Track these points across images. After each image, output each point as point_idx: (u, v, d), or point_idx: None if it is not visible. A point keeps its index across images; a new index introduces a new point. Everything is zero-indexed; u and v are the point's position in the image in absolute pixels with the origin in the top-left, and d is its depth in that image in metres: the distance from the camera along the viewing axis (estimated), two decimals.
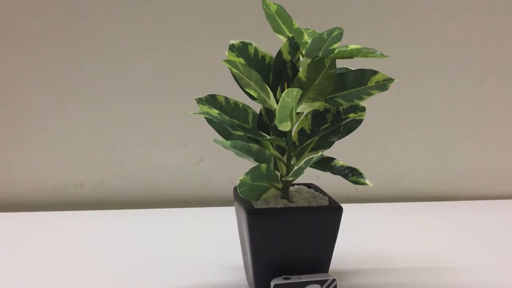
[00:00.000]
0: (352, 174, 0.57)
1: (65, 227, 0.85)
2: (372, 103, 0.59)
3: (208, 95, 0.59)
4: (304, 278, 0.55)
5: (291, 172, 0.55)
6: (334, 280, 0.55)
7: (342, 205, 0.58)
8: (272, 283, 0.54)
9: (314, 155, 0.53)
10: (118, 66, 0.95)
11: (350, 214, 0.61)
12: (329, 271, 0.58)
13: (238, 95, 0.59)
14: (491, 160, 1.05)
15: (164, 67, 0.96)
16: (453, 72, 1.01)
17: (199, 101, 0.58)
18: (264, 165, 0.54)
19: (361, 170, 0.57)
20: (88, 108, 0.96)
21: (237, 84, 0.56)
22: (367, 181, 0.56)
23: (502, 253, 0.76)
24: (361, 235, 0.82)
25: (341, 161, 0.59)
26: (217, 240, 0.79)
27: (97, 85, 0.95)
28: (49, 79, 0.95)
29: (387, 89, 0.56)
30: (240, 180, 0.51)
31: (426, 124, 1.03)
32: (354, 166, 0.58)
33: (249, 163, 0.58)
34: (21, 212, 0.92)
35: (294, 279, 0.55)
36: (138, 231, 0.84)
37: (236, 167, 0.75)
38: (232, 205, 0.63)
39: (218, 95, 0.59)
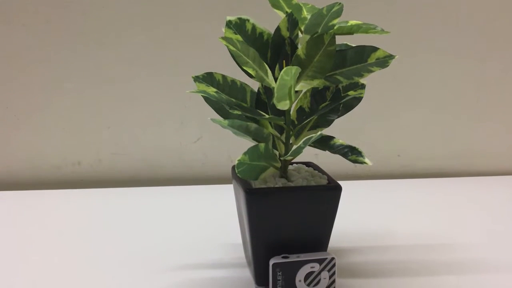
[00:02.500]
0: (351, 153, 0.56)
1: (63, 205, 0.85)
2: (371, 80, 0.58)
3: (205, 73, 0.57)
4: (302, 257, 0.55)
5: (290, 152, 0.55)
6: (332, 258, 0.55)
7: (341, 182, 0.58)
8: (271, 262, 0.54)
9: (313, 135, 0.52)
10: (115, 44, 0.93)
11: (349, 191, 0.61)
12: (328, 249, 0.58)
13: (236, 73, 0.58)
14: (491, 136, 1.04)
15: (161, 45, 0.94)
16: (454, 48, 1.00)
17: (196, 79, 0.57)
18: (262, 145, 0.53)
19: (360, 149, 0.56)
20: (85, 86, 0.95)
21: (235, 62, 0.55)
22: (366, 160, 0.55)
23: (501, 229, 0.76)
24: (360, 212, 0.82)
25: (340, 139, 0.58)
26: (216, 218, 0.79)
27: (93, 63, 0.94)
28: (45, 57, 0.93)
29: (387, 66, 0.54)
30: (238, 160, 0.51)
31: (425, 101, 1.02)
32: (353, 144, 0.57)
33: (248, 141, 0.57)
34: (19, 191, 0.91)
35: (293, 257, 0.55)
36: (136, 209, 0.84)
37: (234, 144, 0.74)
38: (231, 183, 0.62)
39: (216, 73, 0.58)
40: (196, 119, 0.97)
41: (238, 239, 0.66)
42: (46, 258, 0.66)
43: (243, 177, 0.52)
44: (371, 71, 0.55)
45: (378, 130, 1.02)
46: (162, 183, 0.97)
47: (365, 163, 0.55)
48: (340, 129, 0.68)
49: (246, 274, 0.61)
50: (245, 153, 0.51)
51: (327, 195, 0.56)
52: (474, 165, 1.05)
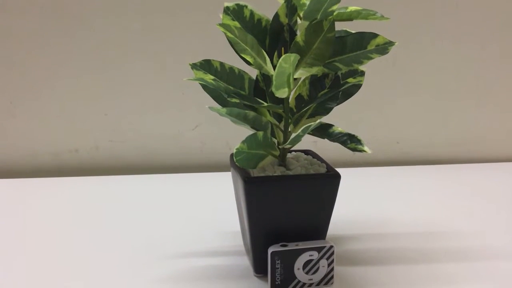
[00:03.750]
0: (350, 141, 0.56)
1: (61, 193, 0.85)
2: (370, 66, 0.57)
3: (203, 60, 0.57)
4: (301, 245, 0.55)
5: (289, 140, 0.54)
6: (331, 246, 0.55)
7: (340, 169, 0.57)
8: (270, 250, 0.54)
9: (312, 123, 0.52)
10: (112, 30, 0.92)
11: (348, 179, 0.60)
12: (326, 237, 0.58)
13: (234, 60, 0.57)
14: (491, 123, 1.04)
15: (158, 31, 0.93)
16: (454, 34, 0.99)
17: (194, 66, 0.56)
18: (260, 133, 0.53)
19: (359, 137, 0.56)
20: (81, 72, 0.94)
21: (233, 49, 0.54)
22: (365, 148, 0.55)
23: (501, 216, 0.76)
24: (359, 200, 0.82)
25: (339, 127, 0.57)
26: (214, 206, 0.79)
27: (90, 49, 0.93)
28: (41, 43, 0.92)
29: (387, 52, 0.54)
30: (237, 149, 0.50)
31: (425, 87, 1.01)
32: (352, 132, 0.57)
33: (246, 129, 0.57)
34: (16, 179, 0.91)
35: (292, 246, 0.55)
36: (134, 197, 0.84)
37: (233, 132, 0.74)
38: (229, 170, 0.62)
39: (213, 60, 0.57)
40: (194, 106, 0.96)
41: (237, 227, 0.66)
42: (44, 246, 0.65)
43: (242, 166, 0.52)
44: (371, 58, 0.54)
45: (377, 117, 1.01)
46: (160, 171, 0.97)
47: (364, 151, 0.55)
48: (339, 116, 0.67)
49: (245, 262, 0.61)
50: (243, 142, 0.51)
51: (326, 183, 0.56)
52: (474, 151, 1.04)
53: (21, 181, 0.90)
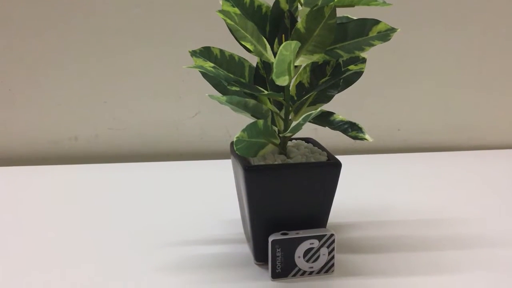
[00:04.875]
0: (351, 129, 0.55)
1: (60, 181, 0.85)
2: (371, 53, 0.57)
3: (203, 48, 0.56)
4: (302, 234, 0.55)
5: (289, 128, 0.54)
6: (332, 235, 0.55)
7: (341, 156, 0.57)
8: (270, 239, 0.54)
9: (313, 111, 0.51)
10: (111, 17, 0.91)
11: (348, 166, 0.60)
12: (327, 225, 0.58)
13: (234, 47, 0.57)
14: (492, 110, 1.04)
15: (157, 18, 0.92)
16: (455, 20, 0.98)
17: (193, 53, 0.56)
18: (261, 121, 0.52)
19: (360, 125, 0.55)
20: (80, 60, 0.93)
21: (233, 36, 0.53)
22: (366, 136, 0.54)
23: (502, 203, 0.76)
24: (359, 187, 0.82)
25: (340, 115, 0.57)
26: (214, 194, 0.78)
27: (89, 36, 0.92)
28: (39, 30, 0.91)
29: (389, 39, 0.53)
30: (237, 137, 0.50)
31: (426, 74, 1.00)
32: (353, 119, 0.56)
33: (247, 117, 0.56)
34: (15, 167, 0.91)
35: (292, 234, 0.55)
36: (134, 184, 0.83)
37: (233, 119, 0.74)
38: (229, 158, 0.62)
39: (213, 47, 0.56)
40: (194, 93, 0.95)
41: (237, 215, 0.66)
42: (44, 234, 0.65)
43: (242, 154, 0.52)
44: (372, 45, 0.53)
45: (378, 104, 1.01)
46: (160, 158, 0.97)
47: (365, 139, 0.54)
48: (339, 103, 0.66)
49: (245, 250, 0.61)
50: (243, 130, 0.50)
51: (326, 172, 0.56)
52: (475, 138, 1.04)
53: (20, 169, 0.90)
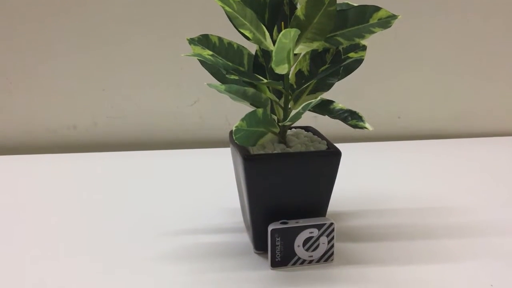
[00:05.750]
0: (351, 117, 0.55)
1: (59, 169, 0.84)
2: (371, 40, 0.56)
3: (201, 35, 0.55)
4: (301, 223, 0.55)
5: (289, 117, 0.54)
6: (331, 224, 0.55)
7: (341, 144, 0.57)
8: (270, 228, 0.54)
9: (313, 100, 0.51)
10: (109, 4, 0.90)
11: (348, 154, 0.60)
12: (327, 214, 0.58)
13: (233, 35, 0.56)
14: (492, 96, 1.03)
15: (155, 4, 0.91)
16: (456, 7, 0.97)
17: (191, 41, 0.55)
18: (260, 110, 0.52)
19: (360, 114, 0.55)
20: (78, 48, 0.92)
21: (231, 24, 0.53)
22: (367, 125, 0.54)
23: (502, 191, 0.76)
24: (359, 175, 0.82)
25: (339, 104, 0.56)
26: (214, 182, 0.78)
27: (87, 24, 0.91)
28: (37, 18, 0.90)
29: (390, 26, 0.53)
30: (236, 126, 0.49)
31: (426, 61, 1.00)
32: (352, 107, 0.56)
33: (246, 105, 0.56)
34: (14, 155, 0.91)
35: (292, 223, 0.54)
36: (133, 173, 0.83)
37: (232, 107, 0.73)
38: (229, 146, 0.61)
39: (212, 35, 0.56)
40: (193, 81, 0.95)
41: (237, 203, 0.66)
42: (43, 222, 0.65)
43: (241, 144, 0.51)
44: (373, 32, 0.53)
45: (377, 91, 1.00)
46: (159, 147, 0.96)
47: (365, 128, 0.54)
48: (339, 90, 0.66)
49: (245, 239, 0.61)
50: (242, 119, 0.50)
51: (326, 160, 0.55)
52: (476, 126, 1.04)
53: (19, 157, 0.90)
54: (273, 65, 0.49)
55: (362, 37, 0.53)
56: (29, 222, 0.66)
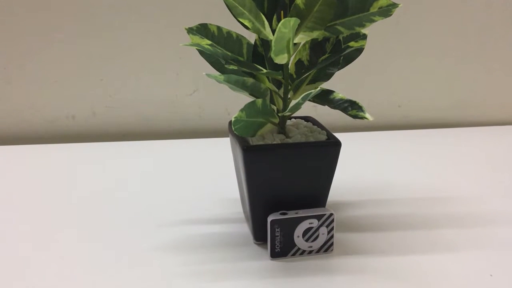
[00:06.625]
0: (351, 107, 0.54)
1: (58, 160, 0.84)
2: (371, 29, 0.55)
3: (199, 24, 0.55)
4: (301, 213, 0.54)
5: (288, 108, 0.53)
6: (331, 214, 0.55)
7: (340, 134, 0.56)
8: (269, 219, 0.54)
9: (312, 90, 0.50)
10: None
11: (348, 143, 0.59)
12: (326, 204, 0.58)
13: (232, 25, 0.55)
14: (494, 85, 1.02)
15: None
16: None
17: (190, 31, 0.54)
18: (259, 101, 0.51)
19: (360, 103, 0.54)
20: (76, 37, 0.91)
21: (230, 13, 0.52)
22: (367, 115, 0.53)
23: (504, 181, 0.76)
24: (359, 165, 0.81)
25: (340, 93, 0.56)
26: (213, 172, 0.78)
27: (84, 13, 0.90)
28: (34, 7, 0.89)
29: (390, 15, 0.52)
30: (235, 117, 0.49)
31: (427, 50, 0.99)
32: (353, 96, 0.55)
33: (245, 95, 0.55)
34: (12, 146, 0.90)
35: (291, 214, 0.54)
36: (131, 163, 0.83)
37: (232, 96, 0.72)
38: (228, 136, 0.61)
39: (210, 24, 0.55)
40: (192, 70, 0.94)
41: (236, 194, 0.65)
42: (42, 213, 0.65)
43: (240, 134, 0.51)
44: (373, 21, 0.52)
45: (378, 80, 1.00)
46: (158, 137, 0.96)
47: (365, 118, 0.53)
48: (339, 79, 0.65)
49: (245, 229, 0.61)
50: (241, 110, 0.50)
51: (326, 151, 0.55)
52: (476, 115, 1.03)
53: (17, 148, 0.90)
54: (272, 55, 0.49)
55: (363, 26, 0.52)
56: (27, 212, 0.66)
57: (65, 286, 0.51)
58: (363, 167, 0.81)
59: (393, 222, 0.63)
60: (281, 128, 0.57)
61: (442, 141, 0.94)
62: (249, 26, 0.51)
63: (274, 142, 0.55)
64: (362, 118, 0.53)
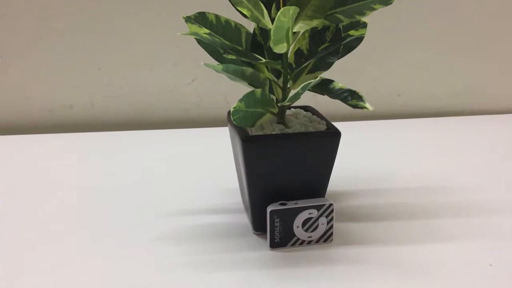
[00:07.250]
0: (351, 97, 0.54)
1: (56, 149, 0.84)
2: (371, 17, 0.55)
3: (197, 13, 0.54)
4: (300, 204, 0.54)
5: (288, 98, 0.53)
6: (331, 204, 0.55)
7: (340, 123, 0.56)
8: (269, 209, 0.54)
9: (312, 80, 0.50)
10: None
11: (348, 132, 0.59)
12: (326, 194, 0.58)
13: (230, 13, 0.55)
14: (493, 74, 1.02)
15: None
16: None
17: (188, 19, 0.54)
18: (258, 90, 0.51)
19: (360, 93, 0.54)
20: (73, 25, 0.91)
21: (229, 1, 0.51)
22: (367, 105, 0.53)
23: (503, 170, 0.75)
24: (359, 154, 0.81)
25: (339, 83, 0.55)
26: (212, 162, 0.78)
27: (82, 2, 0.89)
28: None
29: (391, 3, 0.51)
30: (234, 108, 0.48)
31: (426, 39, 0.98)
32: (352, 86, 0.55)
33: (244, 85, 0.55)
34: (10, 135, 0.90)
35: (291, 204, 0.54)
36: (130, 153, 0.83)
37: (230, 86, 0.72)
38: (227, 125, 0.60)
39: (208, 12, 0.54)
40: (190, 59, 0.93)
41: (235, 184, 0.65)
42: (40, 203, 0.65)
43: (239, 125, 0.51)
44: (374, 9, 0.51)
45: (377, 69, 0.99)
46: (156, 126, 0.95)
47: (365, 107, 0.53)
48: (338, 68, 0.65)
49: (244, 219, 0.61)
50: (240, 100, 0.49)
51: (325, 141, 0.55)
52: (476, 103, 1.03)
53: (15, 138, 0.89)
54: (271, 44, 0.48)
55: (363, 14, 0.52)
56: (26, 202, 0.65)
57: (66, 274, 0.50)
58: (362, 157, 0.81)
59: (393, 211, 0.63)
60: (281, 118, 0.57)
61: (442, 130, 0.94)
62: (248, 15, 0.50)
63: (274, 132, 0.55)
64: (362, 107, 0.53)
